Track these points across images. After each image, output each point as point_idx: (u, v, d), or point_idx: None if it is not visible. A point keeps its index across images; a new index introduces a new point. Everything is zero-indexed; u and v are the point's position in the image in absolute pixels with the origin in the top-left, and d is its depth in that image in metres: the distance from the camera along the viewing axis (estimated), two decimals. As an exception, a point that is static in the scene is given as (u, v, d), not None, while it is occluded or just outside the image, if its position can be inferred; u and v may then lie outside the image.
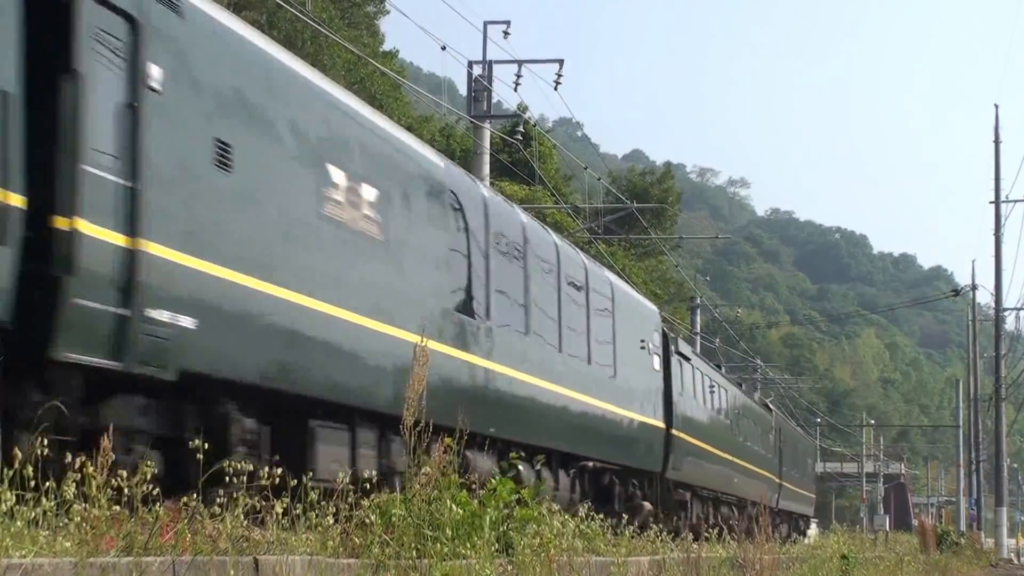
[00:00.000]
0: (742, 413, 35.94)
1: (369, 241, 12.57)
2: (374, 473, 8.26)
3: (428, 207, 14.20)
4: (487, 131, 28.97)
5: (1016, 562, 46.34)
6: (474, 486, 8.91)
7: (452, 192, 14.91)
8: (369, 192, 12.63)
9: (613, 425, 20.49)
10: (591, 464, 19.63)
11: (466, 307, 14.94)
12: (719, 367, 37.78)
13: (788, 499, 44.87)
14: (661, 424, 23.78)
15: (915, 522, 62.52)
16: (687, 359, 27.57)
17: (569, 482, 18.55)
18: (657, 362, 23.75)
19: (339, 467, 9.99)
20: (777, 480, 41.98)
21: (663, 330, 25.71)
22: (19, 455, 5.62)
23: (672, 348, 25.82)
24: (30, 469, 5.63)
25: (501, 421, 15.42)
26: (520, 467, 13.82)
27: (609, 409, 20.16)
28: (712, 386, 30.77)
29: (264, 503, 6.79)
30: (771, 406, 46.08)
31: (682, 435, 25.59)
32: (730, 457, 32.28)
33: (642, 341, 22.57)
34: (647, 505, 22.32)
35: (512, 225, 16.94)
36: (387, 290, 12.93)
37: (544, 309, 17.54)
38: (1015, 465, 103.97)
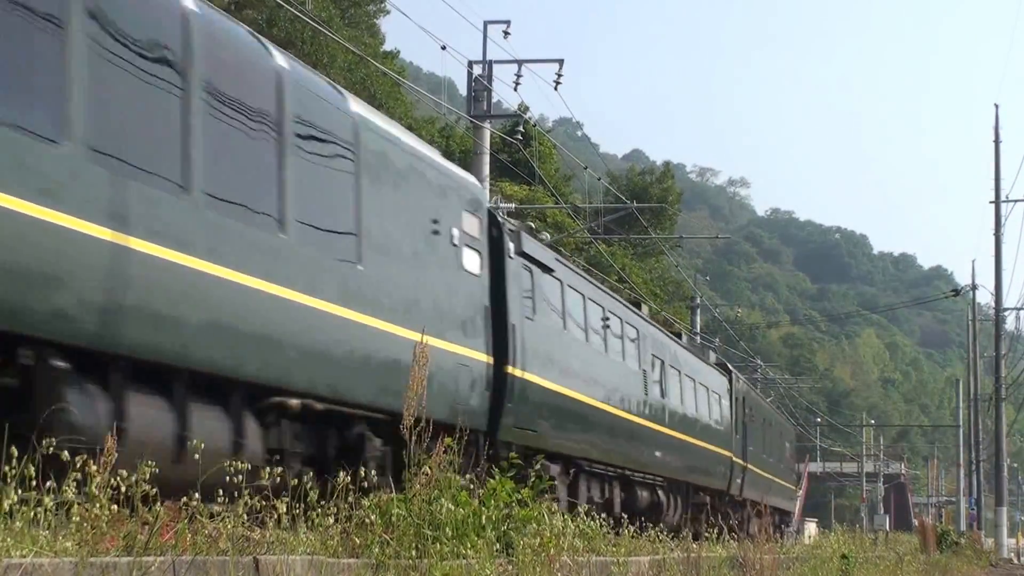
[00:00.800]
0: (673, 366, 26.69)
1: None
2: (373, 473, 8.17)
3: None
4: (487, 131, 28.99)
5: (1016, 562, 46.34)
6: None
7: None
8: None
9: (354, 344, 12.53)
10: (319, 407, 11.93)
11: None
12: (635, 303, 27.76)
13: (756, 488, 35.95)
14: (484, 357, 15.45)
15: (915, 522, 62.58)
16: (547, 269, 18.64)
17: (260, 431, 10.98)
18: (473, 261, 15.52)
19: None
20: (738, 461, 33.28)
21: (492, 215, 16.96)
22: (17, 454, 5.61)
23: (509, 246, 16.93)
24: (32, 468, 5.62)
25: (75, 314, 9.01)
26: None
27: (341, 315, 12.18)
28: (606, 319, 21.63)
29: (264, 503, 6.79)
30: (731, 367, 36.26)
31: (533, 378, 17.26)
32: (644, 422, 23.37)
33: (434, 223, 14.41)
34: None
35: None
36: None
37: (145, 124, 9.89)
38: (1015, 465, 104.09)
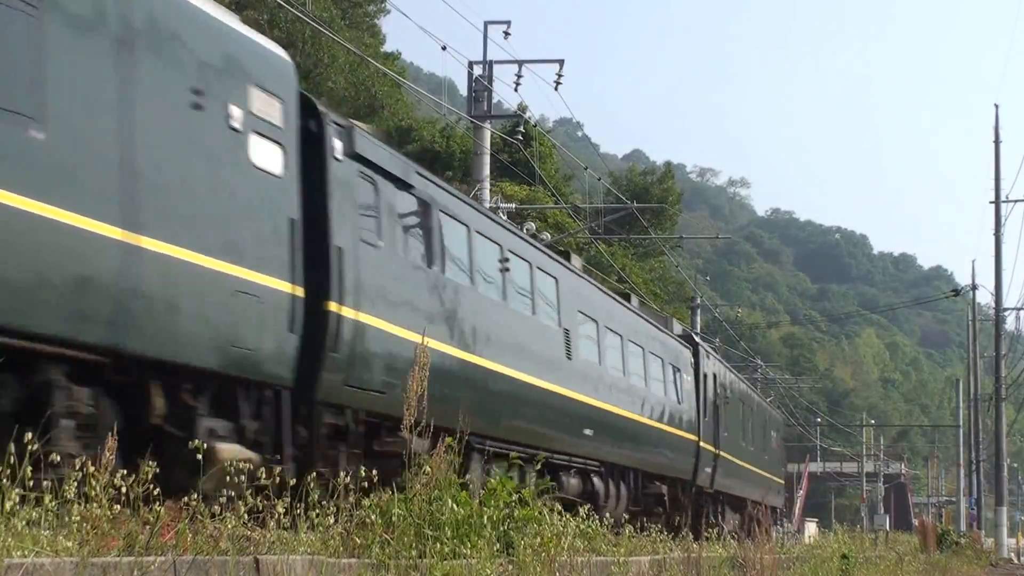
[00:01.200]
0: (611, 328, 22.31)
1: None
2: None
3: None
4: (487, 131, 29.04)
5: (1016, 562, 46.38)
6: None
7: None
8: None
9: (23, 245, 8.64)
10: None
11: None
12: (564, 255, 21.99)
13: (732, 477, 32.25)
14: (285, 286, 11.53)
15: (915, 522, 62.60)
16: (403, 184, 14.26)
17: None
18: (271, 157, 11.52)
19: None
20: (707, 447, 29.05)
21: (307, 100, 12.68)
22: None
23: (334, 144, 12.78)
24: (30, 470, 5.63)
25: None
26: None
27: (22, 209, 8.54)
28: (505, 259, 17.37)
29: (265, 503, 6.80)
30: (698, 340, 31.48)
31: (376, 323, 13.24)
32: (567, 393, 19.29)
33: (196, 94, 10.53)
34: (226, 448, 10.53)
35: None
36: None
37: None
38: (1015, 465, 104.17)
